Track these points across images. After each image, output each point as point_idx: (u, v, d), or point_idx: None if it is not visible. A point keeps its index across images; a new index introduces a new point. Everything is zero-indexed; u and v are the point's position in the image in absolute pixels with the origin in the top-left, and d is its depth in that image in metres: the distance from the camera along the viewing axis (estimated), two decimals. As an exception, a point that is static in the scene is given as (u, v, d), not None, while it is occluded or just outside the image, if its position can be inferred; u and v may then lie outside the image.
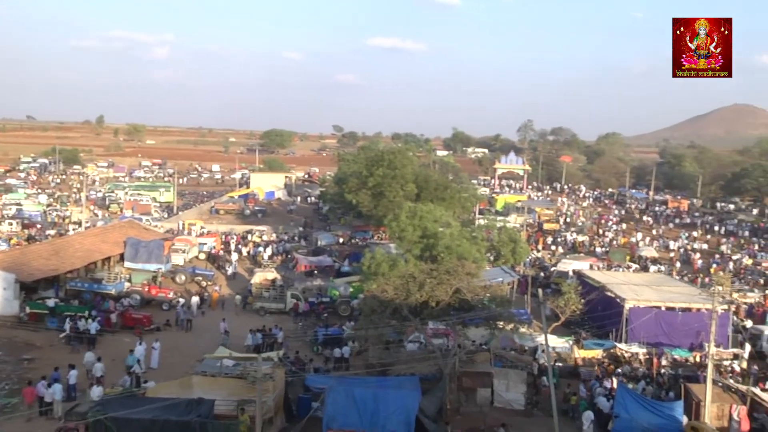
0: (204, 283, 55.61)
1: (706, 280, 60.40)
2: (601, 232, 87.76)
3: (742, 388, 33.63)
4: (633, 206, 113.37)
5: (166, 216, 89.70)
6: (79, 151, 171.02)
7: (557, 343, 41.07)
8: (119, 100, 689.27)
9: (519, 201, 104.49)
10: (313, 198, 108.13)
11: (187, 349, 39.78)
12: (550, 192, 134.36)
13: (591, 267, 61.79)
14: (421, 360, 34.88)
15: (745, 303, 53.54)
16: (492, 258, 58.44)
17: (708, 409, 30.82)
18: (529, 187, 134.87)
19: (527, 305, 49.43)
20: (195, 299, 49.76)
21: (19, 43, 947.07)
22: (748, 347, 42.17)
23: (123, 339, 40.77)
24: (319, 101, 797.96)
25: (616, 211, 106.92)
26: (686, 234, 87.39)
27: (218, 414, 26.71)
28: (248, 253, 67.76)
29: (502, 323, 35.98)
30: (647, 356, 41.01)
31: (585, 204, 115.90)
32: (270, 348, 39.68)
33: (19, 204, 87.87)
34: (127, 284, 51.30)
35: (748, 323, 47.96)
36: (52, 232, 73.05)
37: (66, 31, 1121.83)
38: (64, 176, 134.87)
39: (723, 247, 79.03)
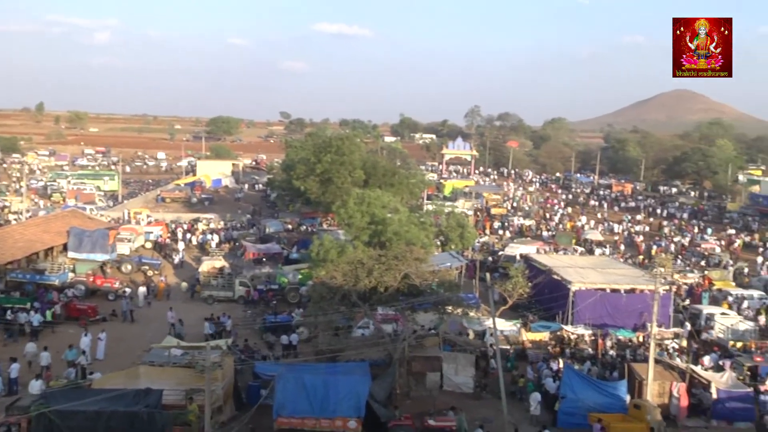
0: (150, 273, 54.88)
1: (646, 262, 61.64)
2: (547, 216, 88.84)
3: (682, 365, 34.55)
4: (578, 190, 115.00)
5: (110, 205, 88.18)
6: (19, 139, 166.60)
7: (505, 326, 41.50)
8: (60, 87, 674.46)
9: (467, 186, 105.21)
10: (260, 185, 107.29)
11: (133, 340, 39.33)
12: (497, 177, 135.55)
13: (538, 251, 62.49)
14: (371, 346, 34.96)
15: (685, 284, 54.81)
16: (440, 243, 58.83)
17: (650, 387, 31.60)
18: (477, 172, 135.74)
19: (475, 289, 49.84)
20: (142, 290, 49.12)
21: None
22: (687, 326, 43.23)
23: (68, 330, 40.04)
24: (265, 88, 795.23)
25: (563, 196, 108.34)
26: (629, 217, 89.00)
27: (166, 404, 26.45)
28: (196, 241, 67.05)
29: (450, 308, 36.34)
30: (593, 337, 41.77)
31: (531, 189, 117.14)
32: (219, 336, 39.40)
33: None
34: (70, 275, 50.31)
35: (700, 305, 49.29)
36: (-9, 222, 71.27)
37: None
38: (4, 165, 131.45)
39: (666, 230, 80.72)
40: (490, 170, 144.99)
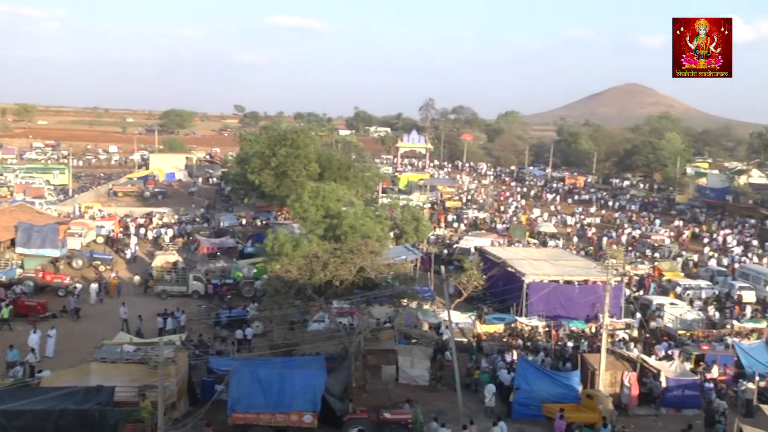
0: (102, 268, 54.05)
1: (600, 253, 62.50)
2: (501, 209, 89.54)
3: (633, 355, 35.20)
4: (532, 183, 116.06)
5: (61, 199, 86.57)
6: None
7: (460, 318, 41.82)
8: (6, 79, 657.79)
9: (421, 179, 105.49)
10: (215, 179, 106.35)
11: (85, 337, 38.62)
12: (451, 170, 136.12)
13: (492, 243, 62.92)
14: (326, 339, 35.02)
15: (636, 275, 55.75)
16: (395, 236, 58.95)
17: (602, 377, 32.12)
18: (431, 165, 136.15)
19: (430, 282, 50.07)
20: (94, 286, 48.29)
21: None
22: (638, 316, 44.00)
23: (16, 327, 39.31)
24: (219, 80, 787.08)
25: (519, 189, 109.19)
26: (580, 209, 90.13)
27: (119, 401, 26.16)
28: (152, 236, 66.24)
29: (405, 301, 36.44)
30: (546, 329, 42.28)
31: (486, 182, 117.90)
32: (172, 331, 39.03)
33: None
34: (19, 271, 49.30)
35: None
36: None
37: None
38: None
39: (618, 222, 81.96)
40: (444, 163, 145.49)
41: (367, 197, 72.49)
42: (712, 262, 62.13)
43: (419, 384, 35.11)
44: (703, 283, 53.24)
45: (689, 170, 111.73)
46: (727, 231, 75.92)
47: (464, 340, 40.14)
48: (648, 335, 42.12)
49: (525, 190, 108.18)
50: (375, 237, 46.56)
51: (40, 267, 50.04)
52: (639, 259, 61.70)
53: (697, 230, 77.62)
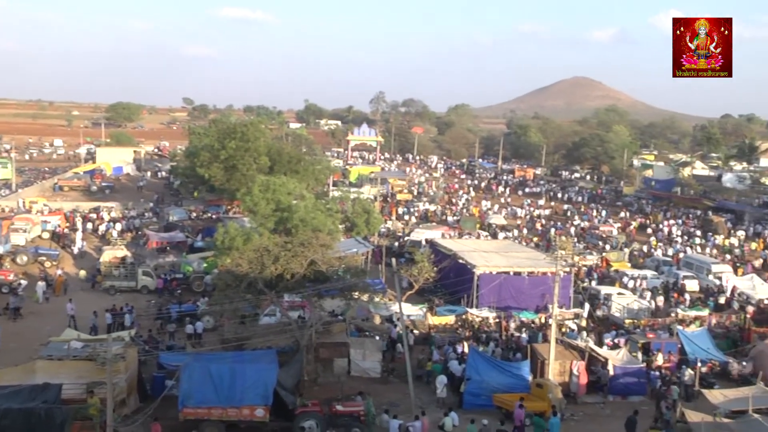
0: (48, 264, 53.03)
1: (550, 245, 63.29)
2: (452, 201, 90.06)
3: (581, 344, 35.79)
4: (482, 176, 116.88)
5: (4, 194, 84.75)
6: None
7: (411, 310, 42.03)
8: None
9: (372, 172, 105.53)
10: (163, 173, 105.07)
11: (31, 334, 37.94)
12: (402, 163, 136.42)
13: (443, 235, 63.32)
14: (278, 333, 34.87)
15: (585, 265, 56.59)
16: (346, 229, 58.94)
17: (551, 366, 32.60)
18: (382, 158, 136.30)
19: (382, 275, 50.19)
20: (41, 284, 47.24)
21: None
22: (587, 307, 44.72)
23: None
24: (167, 73, 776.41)
25: (469, 182, 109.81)
26: (529, 201, 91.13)
27: (66, 398, 25.80)
28: (97, 230, 65.18)
29: (357, 293, 36.52)
30: (497, 320, 42.70)
31: (436, 174, 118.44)
32: (122, 327, 38.53)
33: None
34: (-41, 267, 48.19)
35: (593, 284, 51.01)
36: None
37: None
38: None
39: (568, 213, 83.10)
40: (395, 156, 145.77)
41: (318, 190, 72.32)
42: (658, 253, 63.34)
43: (371, 376, 35.25)
44: (649, 273, 54.28)
45: (636, 162, 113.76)
46: (672, 222, 77.48)
47: (416, 332, 40.36)
48: (595, 324, 42.84)
49: (476, 182, 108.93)
50: (326, 230, 46.51)
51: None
52: (587, 250, 62.61)
53: (643, 221, 79.04)
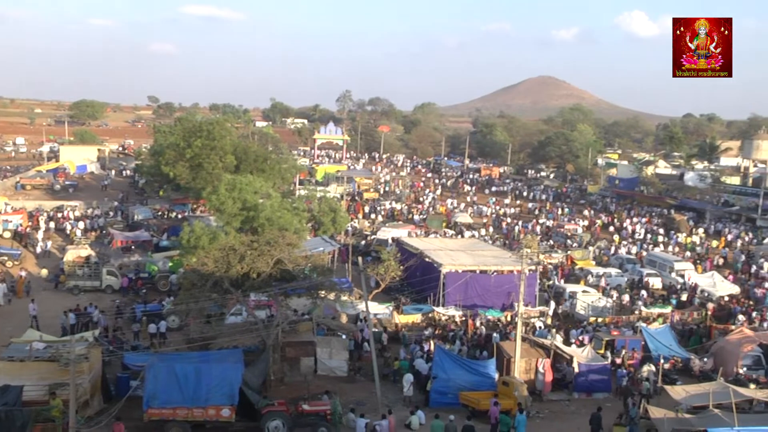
0: (9, 264, 52.23)
1: (516, 243, 63.72)
2: (419, 200, 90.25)
3: (546, 342, 36.10)
4: (449, 174, 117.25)
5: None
6: None
7: (378, 309, 42.06)
8: None
9: (338, 171, 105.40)
10: (128, 171, 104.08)
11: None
12: (368, 161, 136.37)
13: (409, 234, 63.37)
14: (244, 332, 34.73)
15: (550, 263, 57.06)
16: (313, 228, 58.84)
17: (517, 364, 32.86)
18: (348, 157, 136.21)
19: (348, 274, 50.21)
20: (1, 285, 46.44)
21: None
22: (552, 304, 45.09)
23: None
24: (132, 71, 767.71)
25: (436, 180, 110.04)
26: (494, 200, 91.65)
27: (27, 400, 25.49)
28: (61, 229, 64.35)
29: (323, 292, 36.45)
30: (463, 318, 42.89)
31: (403, 173, 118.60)
32: (86, 328, 38.10)
33: None
34: None
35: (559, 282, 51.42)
36: None
37: None
38: None
39: (537, 212, 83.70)
40: (361, 155, 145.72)
41: (284, 189, 72.09)
42: (622, 251, 64.02)
43: (338, 375, 35.28)
44: (613, 270, 54.90)
45: (600, 161, 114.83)
46: (636, 220, 78.39)
47: (389, 331, 40.43)
48: (559, 322, 43.24)
49: (442, 181, 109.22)
50: (292, 229, 46.42)
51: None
52: (553, 249, 63.12)
53: (607, 219, 79.81)
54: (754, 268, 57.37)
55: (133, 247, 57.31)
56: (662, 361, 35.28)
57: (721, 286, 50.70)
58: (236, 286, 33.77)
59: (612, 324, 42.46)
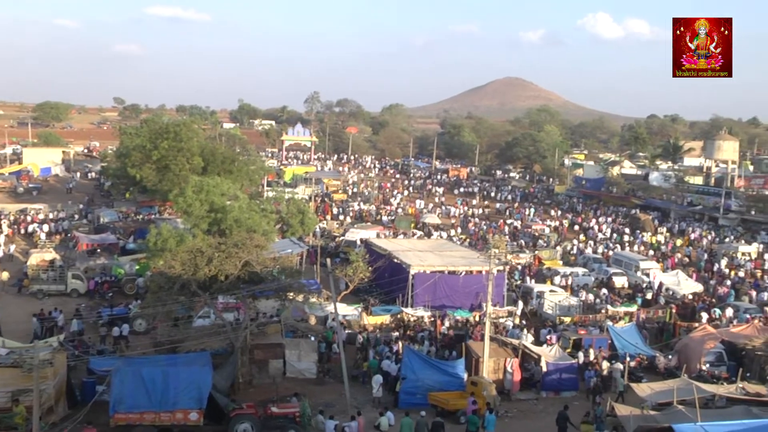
0: (-29, 268, 51.46)
1: (482, 243, 64.01)
2: (387, 201, 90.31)
3: (515, 342, 36.35)
4: (417, 175, 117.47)
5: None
6: None
7: (347, 310, 42.04)
8: None
9: (306, 172, 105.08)
10: (94, 174, 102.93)
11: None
12: (336, 163, 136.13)
13: (378, 235, 63.36)
14: (212, 335, 34.58)
15: (518, 264, 57.41)
16: (281, 230, 58.68)
17: (486, 364, 33.03)
18: (316, 158, 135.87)
19: (317, 275, 50.16)
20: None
21: None
22: (521, 304, 45.40)
23: None
24: (97, 72, 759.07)
25: (405, 182, 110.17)
26: (461, 200, 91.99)
27: (-11, 407, 25.06)
28: (23, 232, 63.46)
29: (292, 294, 36.41)
30: (431, 319, 43.00)
31: (371, 174, 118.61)
32: (50, 333, 37.63)
33: None
34: None
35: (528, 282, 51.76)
36: None
37: None
38: None
39: (508, 213, 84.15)
40: (329, 156, 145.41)
41: (252, 191, 71.87)
42: (588, 250, 64.60)
43: (307, 377, 35.25)
44: (580, 270, 55.38)
45: (567, 161, 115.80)
46: (602, 219, 79.17)
47: (364, 333, 40.41)
48: (528, 322, 43.53)
49: (412, 182, 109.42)
50: (260, 231, 46.27)
51: None
52: (520, 249, 63.49)
53: (574, 219, 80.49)
54: (716, 266, 58.23)
55: (99, 250, 56.61)
56: (628, 359, 35.70)
57: (685, 285, 51.34)
58: (204, 289, 33.62)
59: (579, 323, 42.85)
